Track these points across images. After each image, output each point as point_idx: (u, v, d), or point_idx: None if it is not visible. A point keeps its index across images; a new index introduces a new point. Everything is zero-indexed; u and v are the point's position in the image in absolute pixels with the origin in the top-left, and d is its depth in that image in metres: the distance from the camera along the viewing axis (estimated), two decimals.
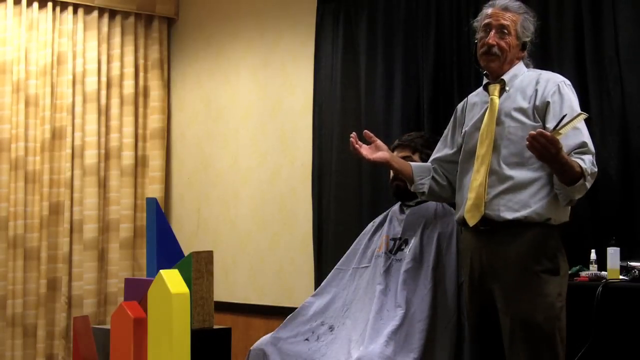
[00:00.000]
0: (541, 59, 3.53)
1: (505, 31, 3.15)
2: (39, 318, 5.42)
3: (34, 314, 5.43)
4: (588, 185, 2.95)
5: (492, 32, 3.15)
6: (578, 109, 3.04)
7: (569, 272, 3.34)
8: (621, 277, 3.25)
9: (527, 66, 3.24)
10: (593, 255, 3.41)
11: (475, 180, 3.10)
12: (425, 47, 4.33)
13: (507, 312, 3.02)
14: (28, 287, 5.42)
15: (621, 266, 3.27)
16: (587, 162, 2.94)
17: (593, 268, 3.39)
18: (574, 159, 2.93)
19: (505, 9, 3.18)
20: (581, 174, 2.91)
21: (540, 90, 3.09)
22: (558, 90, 3.07)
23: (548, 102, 3.05)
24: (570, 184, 2.92)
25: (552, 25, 3.83)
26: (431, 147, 3.61)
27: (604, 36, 3.66)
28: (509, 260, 3.03)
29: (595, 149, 3.60)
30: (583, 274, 3.37)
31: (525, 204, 3.00)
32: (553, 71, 3.27)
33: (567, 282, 3.07)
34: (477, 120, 3.20)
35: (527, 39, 3.20)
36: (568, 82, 3.15)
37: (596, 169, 2.98)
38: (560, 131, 2.86)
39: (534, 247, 3.00)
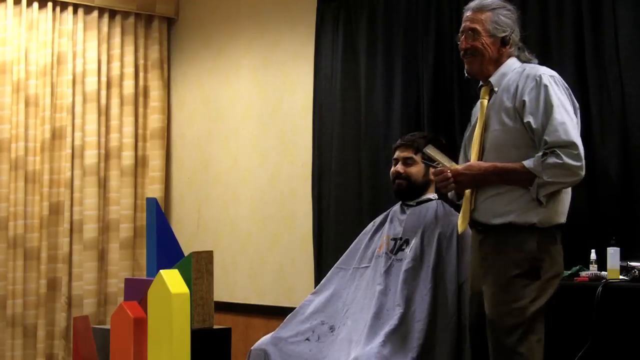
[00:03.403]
0: (541, 59, 3.53)
1: (476, 34, 3.11)
2: (39, 318, 5.42)
3: (34, 314, 5.43)
4: (552, 179, 2.87)
5: (463, 37, 3.14)
6: (558, 103, 2.94)
7: (569, 272, 3.34)
8: (621, 277, 3.24)
9: (527, 61, 3.16)
10: (593, 255, 3.41)
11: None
12: (425, 47, 4.33)
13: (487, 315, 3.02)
14: (28, 287, 5.42)
15: (621, 266, 3.27)
16: (535, 160, 2.89)
17: (593, 268, 3.39)
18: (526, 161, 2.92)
19: (475, 9, 3.14)
20: (531, 173, 2.89)
21: (520, 87, 3.02)
22: (536, 84, 2.98)
23: (524, 101, 2.98)
24: (530, 185, 2.92)
25: (552, 26, 3.83)
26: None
27: (604, 36, 3.66)
28: (492, 263, 3.03)
29: (595, 149, 3.61)
30: (583, 274, 3.37)
31: (510, 209, 2.98)
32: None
33: (553, 286, 3.00)
34: (474, 125, 3.21)
35: (505, 34, 3.11)
36: (551, 74, 3.03)
37: (560, 160, 2.86)
38: (436, 166, 3.05)
39: (514, 250, 2.97)
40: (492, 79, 3.11)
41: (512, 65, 3.12)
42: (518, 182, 2.96)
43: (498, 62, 3.13)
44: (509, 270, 2.96)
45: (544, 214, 2.96)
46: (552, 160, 2.87)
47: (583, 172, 2.92)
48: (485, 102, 3.12)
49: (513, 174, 2.95)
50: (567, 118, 2.92)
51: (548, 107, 2.93)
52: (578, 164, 2.89)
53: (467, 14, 3.16)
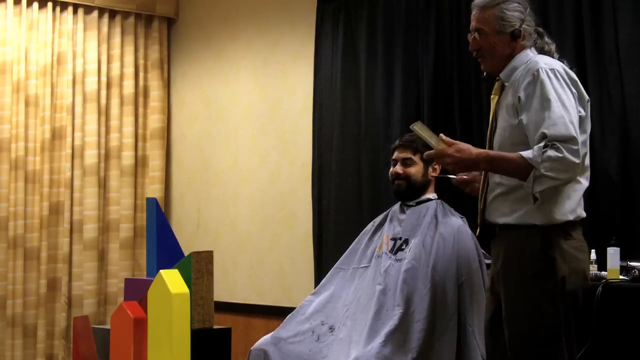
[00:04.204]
0: None
1: (482, 34, 3.03)
2: (39, 318, 5.42)
3: (34, 314, 5.43)
4: (549, 172, 2.77)
5: (472, 38, 3.07)
6: (555, 97, 2.84)
7: None
8: (621, 277, 3.24)
9: (542, 48, 3.05)
10: (593, 255, 3.40)
11: (481, 187, 3.08)
12: (425, 47, 4.33)
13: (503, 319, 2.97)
14: (28, 287, 5.42)
15: (621, 266, 3.27)
16: (535, 151, 2.78)
17: (593, 268, 3.38)
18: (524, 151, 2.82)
19: (479, 6, 3.05)
20: (529, 164, 2.79)
21: (519, 82, 2.94)
22: (533, 79, 2.89)
23: (519, 97, 2.90)
24: (525, 178, 2.82)
25: (552, 26, 3.82)
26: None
27: (604, 36, 3.66)
28: (504, 263, 2.97)
29: (595, 149, 3.60)
30: None
31: (514, 208, 2.92)
32: (563, 61, 3.05)
33: (574, 284, 2.90)
34: None
35: (513, 28, 3.00)
36: (551, 66, 2.91)
37: (560, 154, 2.76)
38: (436, 146, 2.95)
39: (522, 250, 2.91)
40: (502, 74, 3.04)
41: (523, 58, 3.01)
42: (512, 172, 2.86)
43: (511, 57, 3.03)
44: (520, 271, 2.90)
45: (547, 215, 2.88)
46: (552, 153, 2.77)
47: (578, 171, 2.84)
48: (496, 98, 3.06)
49: (507, 163, 2.86)
50: (565, 112, 2.83)
51: (544, 103, 2.84)
52: (577, 160, 2.79)
53: (474, 12, 3.07)
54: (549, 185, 2.82)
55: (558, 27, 3.81)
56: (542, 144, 2.79)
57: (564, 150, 2.78)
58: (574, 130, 2.82)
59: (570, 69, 3.02)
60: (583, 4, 3.73)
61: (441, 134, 2.98)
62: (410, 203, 3.83)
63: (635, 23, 3.58)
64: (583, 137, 2.91)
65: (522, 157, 2.81)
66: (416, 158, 3.78)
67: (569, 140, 2.79)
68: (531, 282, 2.88)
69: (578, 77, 3.36)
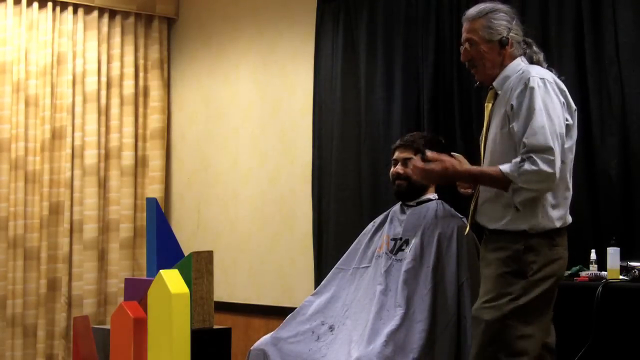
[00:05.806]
0: None
1: (472, 43, 3.13)
2: (39, 318, 5.42)
3: (34, 314, 5.43)
4: (525, 185, 2.90)
5: (463, 49, 3.17)
6: (540, 107, 2.92)
7: (569, 272, 3.34)
8: (621, 277, 3.25)
9: (531, 57, 3.13)
10: (593, 255, 3.41)
11: (476, 190, 3.18)
12: (425, 47, 4.33)
13: None
14: (28, 287, 5.42)
15: (621, 266, 3.27)
16: (512, 165, 2.91)
17: (593, 268, 3.39)
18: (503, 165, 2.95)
19: (468, 19, 3.16)
20: (507, 178, 2.92)
21: (513, 91, 3.02)
22: (524, 88, 2.97)
23: (512, 105, 2.98)
24: (506, 189, 2.95)
25: (552, 26, 3.83)
26: (433, 147, 3.60)
27: (604, 36, 3.66)
28: (486, 263, 3.07)
29: (595, 149, 3.61)
30: (583, 274, 3.37)
31: (504, 214, 3.00)
32: (552, 70, 3.13)
33: (543, 286, 2.95)
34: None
35: (501, 36, 3.09)
36: (542, 75, 3.00)
37: (535, 167, 2.87)
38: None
39: (504, 251, 2.99)
40: (495, 83, 3.12)
41: (515, 67, 3.10)
42: (495, 185, 3.00)
43: (502, 65, 3.12)
44: (497, 269, 2.99)
45: (535, 222, 2.96)
46: (528, 166, 2.88)
47: (556, 180, 2.91)
48: (490, 105, 3.13)
49: (488, 177, 3.00)
50: (547, 122, 2.91)
51: (530, 111, 2.93)
52: (551, 171, 2.88)
53: (464, 25, 3.18)
54: (527, 196, 2.95)
55: (558, 27, 3.81)
56: (518, 159, 2.91)
57: (539, 162, 2.89)
58: (552, 140, 2.91)
59: (559, 77, 3.11)
60: (583, 5, 3.73)
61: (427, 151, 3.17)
62: (411, 203, 3.83)
63: (635, 23, 3.58)
64: (569, 143, 3.02)
65: (501, 171, 2.94)
66: (417, 158, 3.77)
67: (546, 150, 2.90)
68: (504, 280, 2.97)
69: (578, 77, 3.40)
